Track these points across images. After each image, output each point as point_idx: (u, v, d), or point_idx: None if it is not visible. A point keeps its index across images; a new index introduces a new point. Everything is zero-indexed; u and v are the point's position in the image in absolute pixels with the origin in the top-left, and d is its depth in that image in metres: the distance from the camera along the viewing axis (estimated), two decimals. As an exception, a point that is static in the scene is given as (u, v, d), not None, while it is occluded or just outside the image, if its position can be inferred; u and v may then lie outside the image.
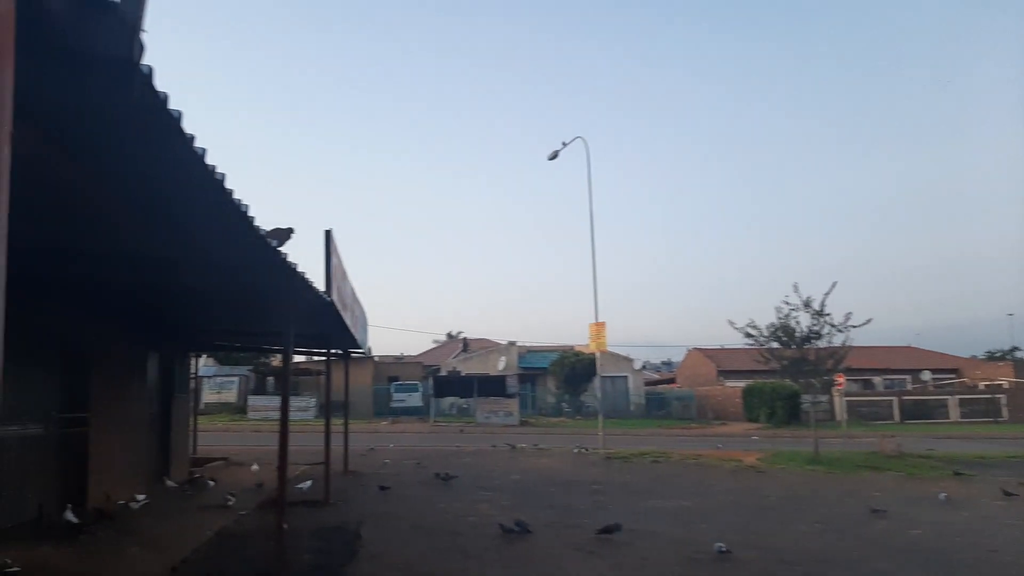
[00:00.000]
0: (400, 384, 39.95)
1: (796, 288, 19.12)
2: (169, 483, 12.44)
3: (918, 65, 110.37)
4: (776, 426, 32.85)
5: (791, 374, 20.71)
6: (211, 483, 12.62)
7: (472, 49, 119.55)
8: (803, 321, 19.30)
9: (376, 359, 42.24)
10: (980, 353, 63.07)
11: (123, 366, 10.91)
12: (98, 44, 1.74)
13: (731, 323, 20.28)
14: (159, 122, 2.26)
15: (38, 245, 4.42)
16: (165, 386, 13.09)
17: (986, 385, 41.27)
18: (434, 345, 67.96)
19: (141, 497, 10.26)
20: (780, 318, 19.62)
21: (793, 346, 19.55)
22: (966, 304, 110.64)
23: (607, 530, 8.82)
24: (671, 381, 52.99)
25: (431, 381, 38.34)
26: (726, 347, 46.44)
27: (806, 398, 26.98)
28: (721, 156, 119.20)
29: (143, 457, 11.72)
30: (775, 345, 19.95)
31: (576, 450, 20.48)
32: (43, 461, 8.70)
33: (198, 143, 2.60)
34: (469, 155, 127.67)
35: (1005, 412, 37.83)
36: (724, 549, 8.06)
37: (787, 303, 19.48)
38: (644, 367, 48.13)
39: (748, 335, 20.03)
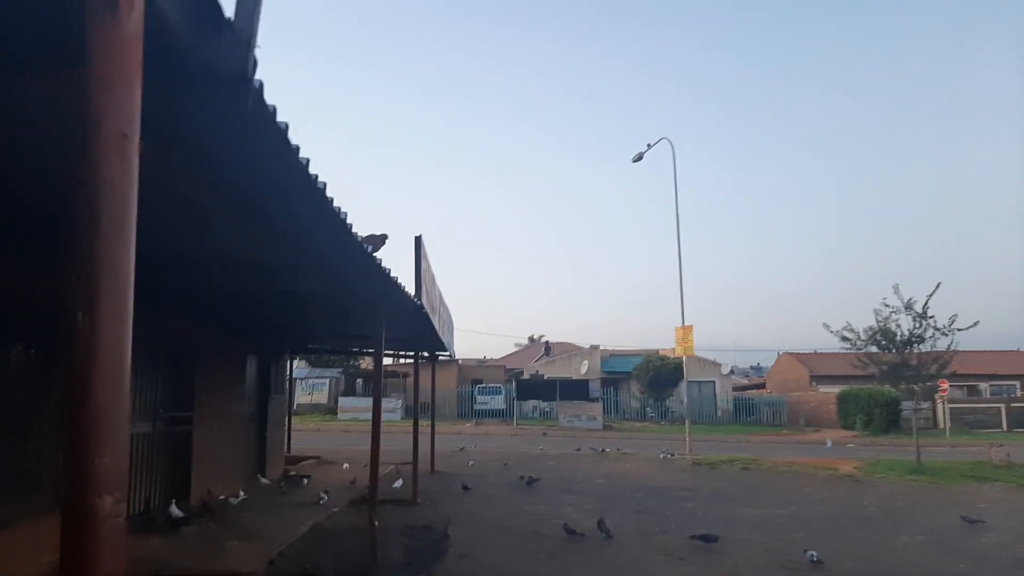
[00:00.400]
0: (483, 387, 40.32)
1: (897, 289, 18.20)
2: (265, 480, 12.96)
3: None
4: (873, 434, 31.35)
5: (891, 380, 19.71)
6: (304, 480, 13.09)
7: (553, 50, 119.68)
8: (904, 324, 18.35)
9: (460, 362, 42.79)
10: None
11: (224, 367, 11.44)
12: (215, 60, 1.84)
13: (826, 326, 19.48)
14: (268, 134, 2.37)
15: (148, 252, 4.68)
16: (262, 387, 13.66)
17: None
18: (516, 349, 68.25)
19: (240, 493, 10.73)
20: (879, 321, 18.71)
21: (893, 350, 18.60)
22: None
23: (704, 538, 8.64)
24: (760, 386, 51.35)
25: (514, 384, 38.55)
26: (819, 351, 44.66)
27: (907, 405, 25.68)
28: (814, 154, 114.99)
29: (242, 455, 12.25)
30: (873, 349, 19.03)
31: (662, 455, 20.14)
32: (150, 457, 9.21)
33: (302, 154, 2.71)
34: (552, 158, 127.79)
35: None
36: (816, 558, 7.81)
37: (887, 305, 18.55)
38: (732, 372, 46.85)
39: (844, 339, 19.17)
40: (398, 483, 11.95)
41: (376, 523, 7.14)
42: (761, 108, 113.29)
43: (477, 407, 38.60)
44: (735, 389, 44.36)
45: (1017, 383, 41.84)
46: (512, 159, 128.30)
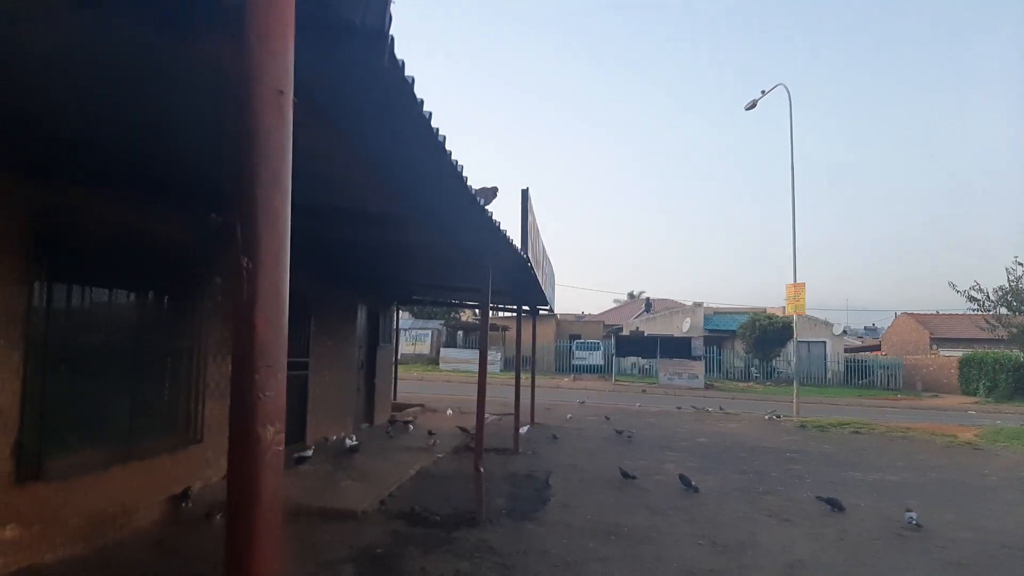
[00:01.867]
0: (582, 342, 40.47)
1: None
2: (374, 425, 13.59)
3: None
4: (997, 401, 29.42)
5: (1021, 343, 18.42)
6: (410, 427, 13.66)
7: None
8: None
9: (558, 317, 43.03)
10: None
11: (337, 316, 11.97)
12: (356, 16, 1.91)
13: (951, 285, 18.42)
14: (397, 88, 2.44)
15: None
16: (371, 336, 14.24)
17: None
18: (615, 305, 67.95)
19: (353, 436, 11.31)
20: (1011, 280, 17.43)
21: (1024, 311, 17.35)
22: None
23: (830, 502, 8.52)
24: (875, 348, 49.03)
25: (613, 340, 38.44)
26: (941, 312, 42.11)
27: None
28: (939, 103, 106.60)
29: (352, 400, 12.88)
30: (1003, 311, 17.79)
31: (767, 416, 19.69)
32: (272, 400, 9.80)
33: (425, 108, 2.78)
34: (660, 108, 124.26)
35: None
36: (915, 521, 7.75)
37: (1020, 263, 17.23)
38: (845, 332, 44.82)
39: (972, 299, 18.03)
40: (524, 428, 12.37)
41: (482, 469, 7.39)
42: (882, 54, 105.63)
43: (575, 362, 38.86)
44: (847, 351, 42.47)
45: None
46: (618, 110, 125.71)
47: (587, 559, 6.09)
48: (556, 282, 14.38)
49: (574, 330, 44.62)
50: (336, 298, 11.86)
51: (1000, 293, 17.70)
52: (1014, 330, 17.62)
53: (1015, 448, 14.92)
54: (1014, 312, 17.49)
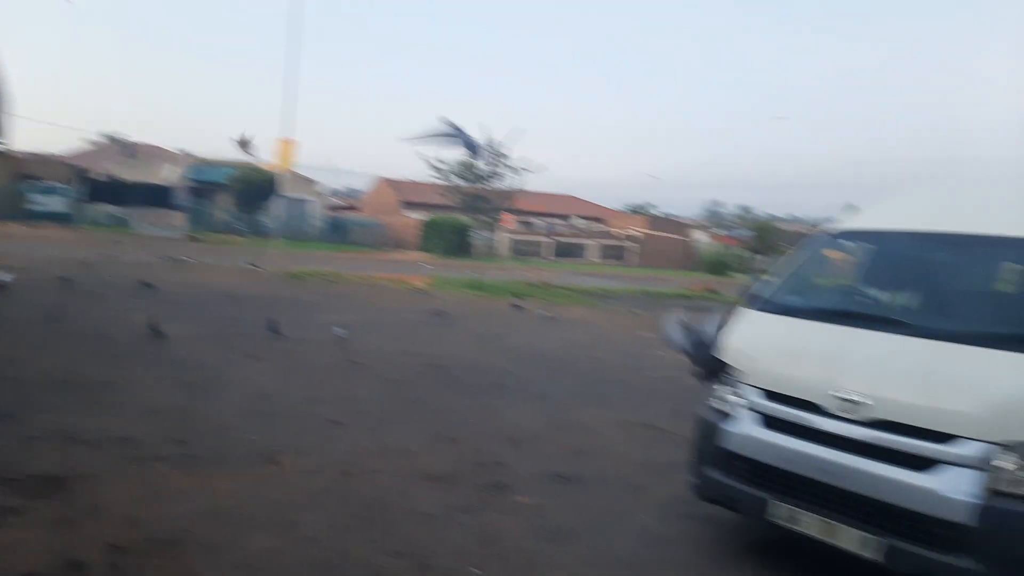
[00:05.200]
0: (42, 185, 34.45)
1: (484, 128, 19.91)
2: None
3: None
4: (446, 256, 35.18)
5: (468, 210, 22.13)
6: None
7: None
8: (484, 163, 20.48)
9: (14, 154, 35.48)
10: (622, 206, 72.45)
11: None
12: None
13: (420, 155, 20.77)
14: None
15: None
16: None
17: (625, 235, 48.29)
18: (88, 147, 58.88)
19: None
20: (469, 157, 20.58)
21: (474, 183, 20.70)
22: (618, 162, 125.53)
23: (271, 327, 9.77)
24: (356, 209, 53.13)
25: (83, 185, 33.69)
26: (416, 181, 47.57)
27: (475, 233, 29.39)
28: None
29: None
30: (460, 182, 20.95)
31: (246, 265, 20.03)
32: None
33: None
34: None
35: (637, 257, 45.08)
36: (343, 335, 9.56)
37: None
38: (335, 194, 47.51)
39: (436, 169, 20.72)
40: None
41: None
42: None
43: (33, 208, 33.01)
44: (331, 209, 45.25)
45: (563, 221, 50.46)
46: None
47: (41, 410, 5.61)
48: (13, 111, 11.86)
49: (32, 170, 37.46)
50: None
51: (458, 166, 20.71)
52: (465, 198, 20.86)
53: (452, 292, 18.42)
54: (468, 183, 20.63)
